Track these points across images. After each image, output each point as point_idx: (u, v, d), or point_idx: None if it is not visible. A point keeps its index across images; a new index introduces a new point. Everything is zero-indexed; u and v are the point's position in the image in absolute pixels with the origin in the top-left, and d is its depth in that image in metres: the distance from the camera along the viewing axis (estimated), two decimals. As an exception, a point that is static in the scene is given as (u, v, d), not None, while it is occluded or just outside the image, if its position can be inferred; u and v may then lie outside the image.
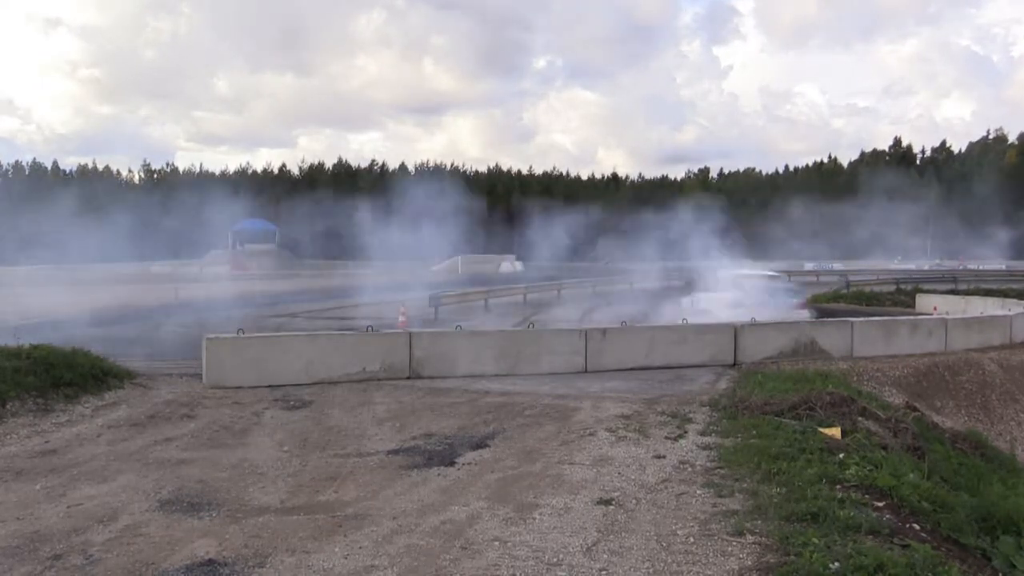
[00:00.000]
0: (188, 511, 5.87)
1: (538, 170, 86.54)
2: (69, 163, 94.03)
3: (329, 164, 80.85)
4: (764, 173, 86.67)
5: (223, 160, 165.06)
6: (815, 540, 4.86)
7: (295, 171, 79.35)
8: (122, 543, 5.18)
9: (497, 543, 5.16)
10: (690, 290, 26.91)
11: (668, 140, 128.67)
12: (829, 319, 16.17)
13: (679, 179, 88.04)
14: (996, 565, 5.29)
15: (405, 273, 34.11)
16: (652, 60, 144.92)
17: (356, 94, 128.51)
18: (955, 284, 36.11)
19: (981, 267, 49.61)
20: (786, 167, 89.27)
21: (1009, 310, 21.11)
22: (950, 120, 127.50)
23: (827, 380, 11.08)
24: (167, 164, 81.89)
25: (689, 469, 6.96)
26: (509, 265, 51.32)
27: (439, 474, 6.91)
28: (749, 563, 4.74)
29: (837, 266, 49.26)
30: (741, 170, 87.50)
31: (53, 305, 21.89)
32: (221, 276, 39.60)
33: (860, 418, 8.70)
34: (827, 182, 71.46)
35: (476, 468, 7.10)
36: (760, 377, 11.80)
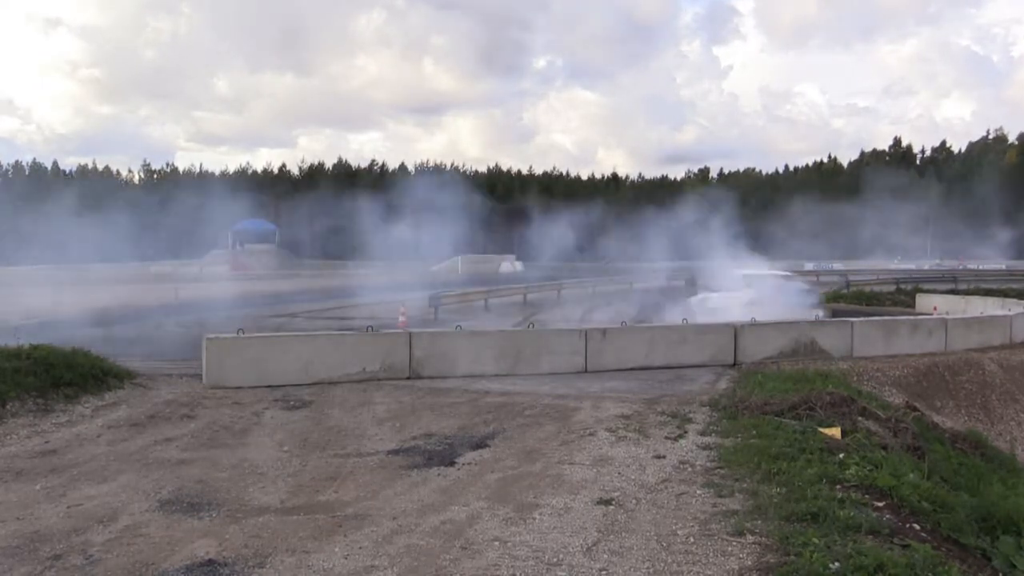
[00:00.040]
0: (188, 511, 5.87)
1: (538, 170, 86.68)
2: (69, 163, 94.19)
3: (329, 164, 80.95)
4: (764, 173, 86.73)
5: (223, 160, 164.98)
6: (815, 540, 4.86)
7: (295, 171, 79.47)
8: (122, 543, 5.18)
9: (497, 543, 5.16)
10: (696, 289, 26.62)
11: (668, 140, 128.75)
12: (829, 319, 16.16)
13: (679, 179, 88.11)
14: (996, 565, 5.29)
15: (405, 273, 34.12)
16: (652, 60, 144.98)
17: (356, 94, 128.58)
18: (955, 284, 36.13)
19: (981, 267, 49.65)
20: (786, 167, 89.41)
21: (1009, 310, 21.12)
22: (950, 120, 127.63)
23: (827, 380, 11.08)
24: (167, 164, 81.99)
25: (689, 469, 6.96)
26: (509, 265, 51.33)
27: (439, 474, 6.91)
28: (749, 563, 4.74)
29: (837, 266, 49.30)
30: (741, 170, 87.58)
31: (53, 305, 21.91)
32: (221, 276, 39.62)
33: (860, 418, 8.70)
34: (827, 182, 71.48)
35: (476, 468, 7.10)
36: (760, 377, 11.80)
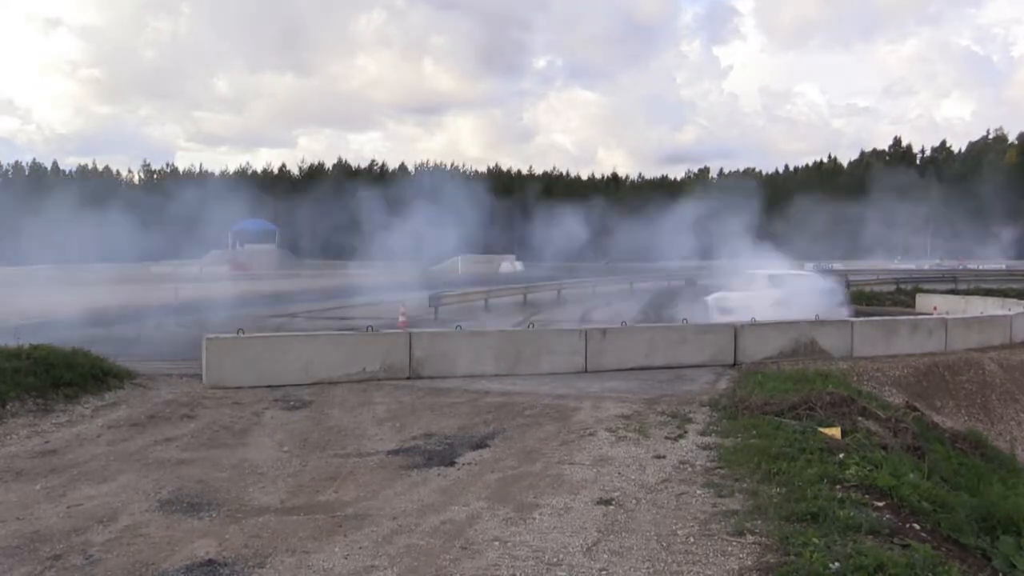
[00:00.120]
0: (188, 511, 5.87)
1: (538, 170, 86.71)
2: (69, 163, 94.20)
3: (329, 164, 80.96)
4: (764, 173, 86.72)
5: (223, 160, 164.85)
6: (815, 540, 4.86)
7: (295, 171, 79.48)
8: (122, 543, 5.18)
9: (497, 543, 5.16)
10: (706, 289, 26.24)
11: (668, 140, 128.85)
12: (829, 319, 16.11)
13: (679, 179, 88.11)
14: (996, 565, 5.29)
15: (405, 273, 34.12)
16: (652, 60, 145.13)
17: (356, 94, 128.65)
18: (955, 284, 36.14)
19: (981, 267, 49.66)
20: (786, 167, 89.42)
21: (1009, 310, 21.12)
22: (950, 120, 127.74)
23: (827, 380, 11.08)
24: (167, 164, 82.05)
25: (689, 469, 6.96)
26: (509, 265, 51.34)
27: (439, 474, 6.91)
28: (749, 563, 4.74)
29: (837, 266, 49.23)
30: (741, 170, 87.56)
31: (53, 305, 21.91)
32: (221, 276, 39.61)
33: (860, 418, 8.70)
34: (827, 182, 71.47)
35: (476, 468, 7.10)
36: (760, 377, 11.80)
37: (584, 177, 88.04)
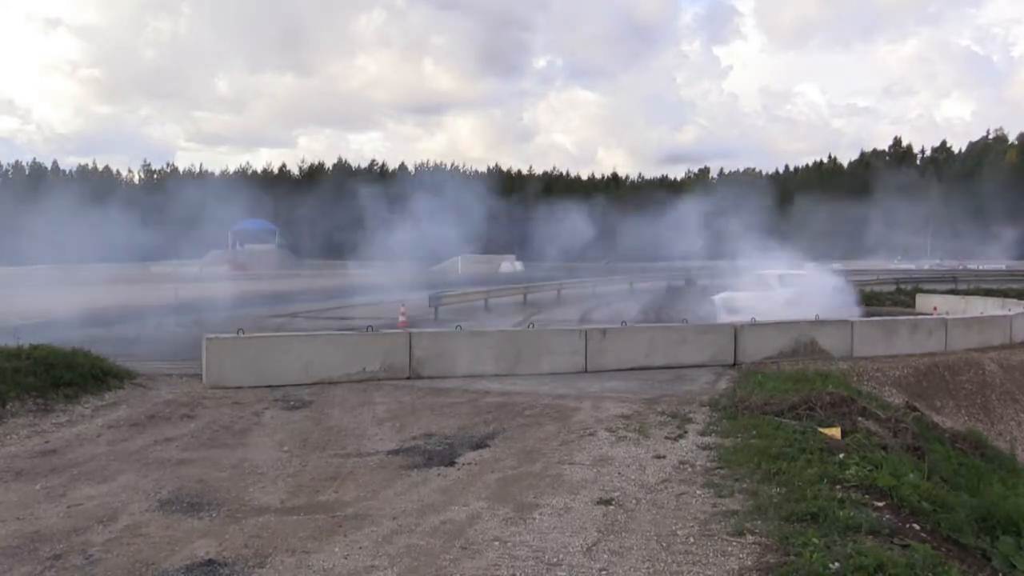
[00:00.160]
0: (188, 511, 5.87)
1: (538, 170, 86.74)
2: (69, 163, 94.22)
3: (329, 164, 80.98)
4: (764, 173, 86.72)
5: (223, 160, 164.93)
6: (815, 540, 4.86)
7: (295, 171, 79.51)
8: (122, 543, 5.18)
9: (497, 543, 5.16)
10: (708, 290, 26.05)
11: (668, 140, 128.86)
12: (829, 319, 16.10)
13: (679, 179, 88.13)
14: (996, 565, 5.29)
15: (405, 273, 34.11)
16: (652, 60, 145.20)
17: (356, 94, 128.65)
18: (955, 284, 36.13)
19: (981, 267, 49.64)
20: (786, 167, 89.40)
21: (1009, 310, 21.12)
22: (950, 120, 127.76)
23: (827, 380, 11.08)
24: (167, 164, 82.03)
25: (689, 469, 6.96)
26: (509, 265, 51.33)
27: (439, 474, 6.91)
28: (749, 563, 4.74)
29: (836, 266, 49.26)
30: (741, 170, 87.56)
31: (53, 305, 21.92)
32: (221, 276, 39.62)
33: (860, 418, 8.70)
34: (827, 182, 71.49)
35: (476, 468, 7.10)
36: (760, 377, 11.80)
37: (584, 177, 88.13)
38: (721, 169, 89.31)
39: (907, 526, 5.40)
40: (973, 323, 18.55)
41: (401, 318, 19.98)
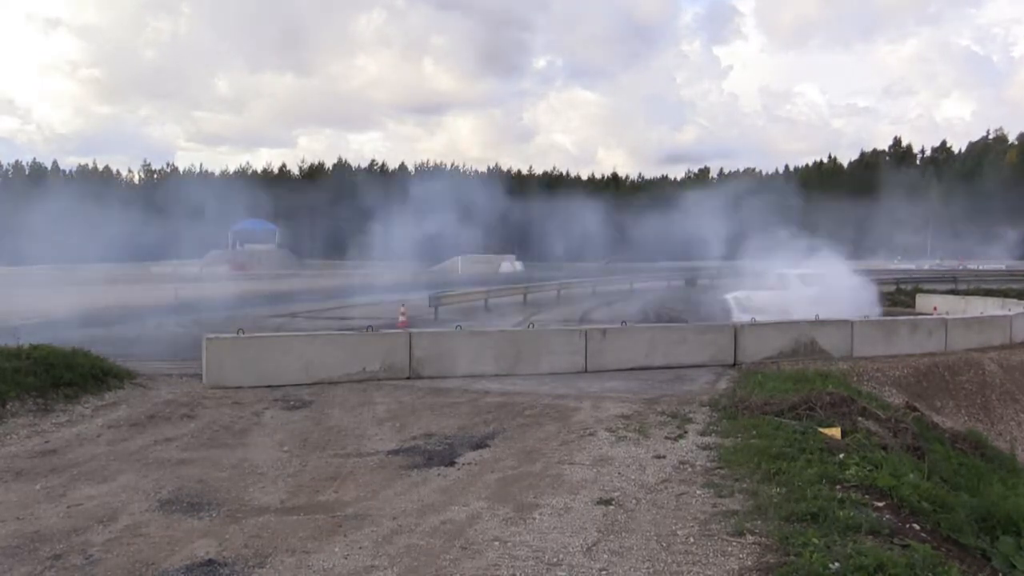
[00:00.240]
0: (188, 511, 5.87)
1: (538, 170, 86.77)
2: (69, 163, 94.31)
3: (329, 164, 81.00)
4: (764, 173, 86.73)
5: (223, 160, 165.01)
6: (815, 540, 4.85)
7: (295, 171, 79.54)
8: (122, 543, 5.18)
9: (497, 543, 5.16)
10: (712, 289, 25.85)
11: (668, 140, 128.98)
12: (829, 319, 16.08)
13: (679, 179, 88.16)
14: (996, 565, 5.29)
15: (405, 273, 34.12)
16: (652, 60, 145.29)
17: (356, 94, 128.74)
18: (955, 284, 36.14)
19: (981, 267, 49.66)
20: (786, 167, 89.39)
21: (1009, 310, 21.12)
22: (950, 120, 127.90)
23: (827, 380, 11.07)
24: (167, 164, 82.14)
25: (689, 469, 6.95)
26: (509, 265, 51.37)
27: (439, 474, 6.91)
28: (749, 563, 4.74)
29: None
30: (741, 170, 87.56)
31: (53, 305, 21.92)
32: (221, 276, 39.64)
33: (860, 418, 8.69)
34: (827, 182, 71.51)
35: (476, 468, 7.09)
36: (760, 377, 11.79)
37: (584, 177, 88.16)
38: (721, 169, 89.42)
39: (907, 526, 5.40)
40: (973, 323, 18.54)
41: (401, 318, 19.98)
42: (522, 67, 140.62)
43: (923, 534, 5.30)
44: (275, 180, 72.26)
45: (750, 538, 5.13)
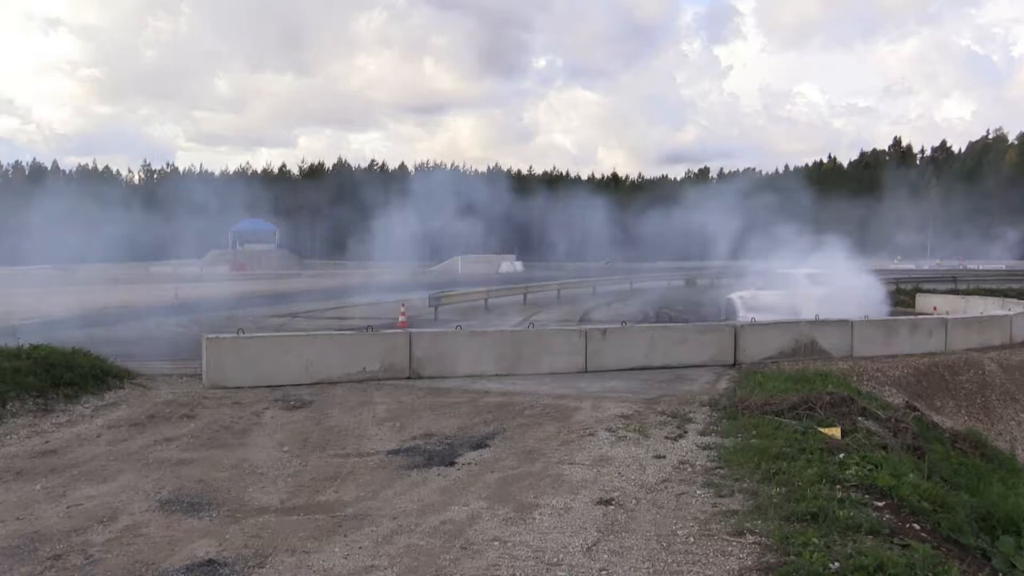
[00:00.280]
0: (188, 511, 5.87)
1: (538, 170, 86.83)
2: (69, 163, 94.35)
3: (329, 164, 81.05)
4: (764, 173, 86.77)
5: (223, 160, 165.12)
6: (815, 540, 4.86)
7: (295, 171, 79.60)
8: (122, 543, 5.18)
9: (497, 543, 5.16)
10: (722, 288, 25.68)
11: (668, 140, 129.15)
12: (829, 319, 16.07)
13: (679, 179, 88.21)
14: (996, 565, 5.29)
15: (405, 273, 34.12)
16: (652, 60, 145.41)
17: (356, 94, 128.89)
18: (955, 284, 36.12)
19: (981, 267, 49.67)
20: (786, 167, 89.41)
21: (1009, 310, 21.10)
22: (950, 120, 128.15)
23: (827, 380, 11.07)
24: (167, 164, 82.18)
25: (689, 469, 6.95)
26: (509, 265, 51.37)
27: (439, 474, 6.91)
28: (749, 563, 4.74)
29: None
30: (741, 170, 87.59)
31: (53, 305, 21.93)
32: (221, 276, 39.65)
33: (860, 418, 8.70)
34: (827, 182, 71.50)
35: (476, 468, 7.10)
36: (760, 377, 11.79)
37: (584, 177, 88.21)
38: (721, 169, 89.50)
39: (907, 526, 5.40)
40: (973, 323, 18.53)
41: (401, 318, 19.98)
42: (522, 67, 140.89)
43: (923, 534, 5.30)
44: (275, 180, 72.31)
45: (750, 538, 5.13)
